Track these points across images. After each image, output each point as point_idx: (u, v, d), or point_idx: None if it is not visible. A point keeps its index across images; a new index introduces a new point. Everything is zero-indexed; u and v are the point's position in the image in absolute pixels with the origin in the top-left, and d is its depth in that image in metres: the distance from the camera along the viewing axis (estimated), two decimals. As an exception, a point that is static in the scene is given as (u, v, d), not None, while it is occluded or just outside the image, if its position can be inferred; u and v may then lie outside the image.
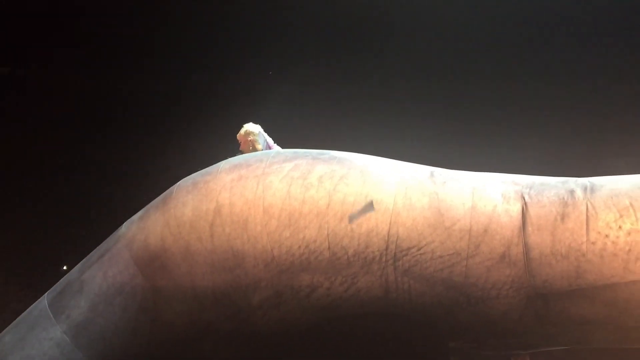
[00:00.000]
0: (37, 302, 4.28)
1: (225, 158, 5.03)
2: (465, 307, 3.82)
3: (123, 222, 4.31)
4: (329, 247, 3.68)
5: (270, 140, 5.04)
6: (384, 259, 3.66)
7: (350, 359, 4.51)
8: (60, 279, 4.33)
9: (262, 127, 5.17)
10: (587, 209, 3.54)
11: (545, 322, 3.81)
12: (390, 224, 3.64)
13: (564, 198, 3.60)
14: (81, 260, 4.37)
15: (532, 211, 3.59)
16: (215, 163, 4.78)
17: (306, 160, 3.91)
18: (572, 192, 3.64)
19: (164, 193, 4.19)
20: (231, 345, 4.08)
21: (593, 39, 8.22)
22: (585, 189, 3.64)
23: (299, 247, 3.70)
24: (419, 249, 3.62)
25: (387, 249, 3.64)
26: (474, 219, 3.60)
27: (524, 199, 3.64)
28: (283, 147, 5.09)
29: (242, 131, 5.09)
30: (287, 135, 5.21)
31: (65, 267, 10.94)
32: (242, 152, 5.07)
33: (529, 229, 3.55)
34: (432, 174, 3.85)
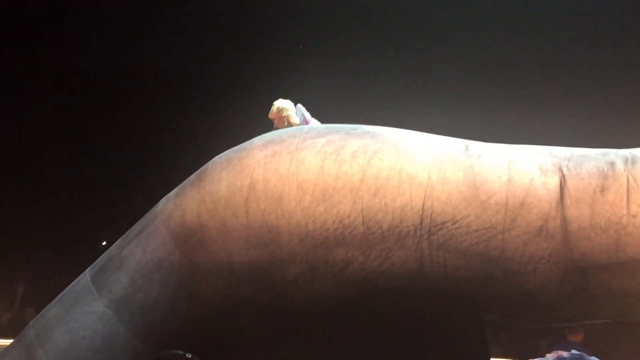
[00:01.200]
0: (79, 277, 4.40)
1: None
2: (502, 281, 3.79)
3: (159, 199, 4.38)
4: (362, 222, 3.68)
5: (307, 114, 5.00)
6: (418, 233, 3.64)
7: (385, 333, 4.53)
8: (100, 255, 4.45)
9: (294, 103, 5.14)
10: (627, 181, 3.45)
11: (584, 296, 3.76)
12: (424, 198, 3.61)
13: (603, 170, 3.52)
14: (120, 236, 4.47)
15: (571, 184, 3.51)
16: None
17: (339, 135, 3.89)
18: (612, 164, 3.55)
19: (199, 170, 4.23)
20: (266, 319, 4.14)
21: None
22: (626, 160, 3.55)
23: (333, 222, 3.71)
24: (454, 223, 3.59)
25: (421, 223, 3.62)
26: (510, 192, 3.54)
27: (562, 172, 3.56)
28: (320, 120, 5.05)
29: (274, 108, 5.07)
30: (322, 110, 5.19)
31: (104, 243, 11.28)
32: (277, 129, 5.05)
33: (567, 201, 3.48)
34: (466, 147, 3.80)
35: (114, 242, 4.47)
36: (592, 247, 3.46)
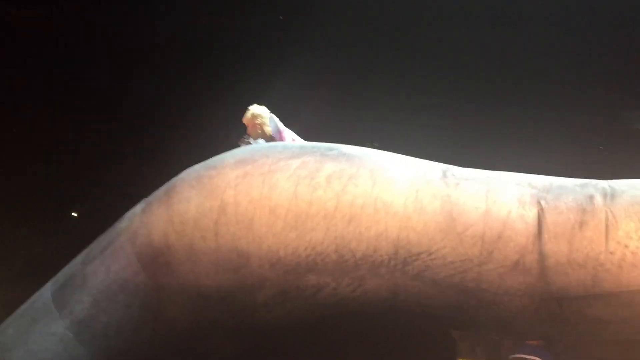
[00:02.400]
0: (39, 292, 4.24)
1: (231, 140, 4.89)
2: (477, 309, 3.73)
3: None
4: (336, 250, 3.57)
5: (280, 124, 4.84)
6: (392, 263, 3.55)
7: (355, 352, 4.48)
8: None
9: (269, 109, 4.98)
10: (606, 217, 3.38)
11: (559, 321, 3.72)
12: (400, 228, 3.51)
13: (582, 204, 3.44)
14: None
15: (549, 218, 3.43)
16: (219, 144, 4.66)
17: (314, 157, 3.75)
18: (591, 197, 3.47)
19: (166, 185, 4.07)
20: (235, 340, 4.04)
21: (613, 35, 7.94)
22: (605, 195, 3.47)
23: (305, 248, 3.60)
24: (429, 254, 3.50)
25: (396, 253, 3.52)
26: (488, 224, 3.46)
27: (541, 205, 3.48)
28: (295, 130, 4.90)
29: (249, 114, 4.89)
30: (296, 120, 5.04)
31: (75, 214, 11.04)
32: (249, 136, 4.90)
33: (545, 236, 3.41)
34: (444, 174, 3.69)
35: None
36: (569, 282, 3.40)
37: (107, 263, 3.94)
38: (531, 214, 3.47)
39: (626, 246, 3.33)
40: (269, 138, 4.73)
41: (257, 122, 4.83)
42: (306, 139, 4.75)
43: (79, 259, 4.20)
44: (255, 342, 4.11)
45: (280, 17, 8.94)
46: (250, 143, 4.74)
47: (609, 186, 3.56)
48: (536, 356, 6.84)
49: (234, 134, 5.05)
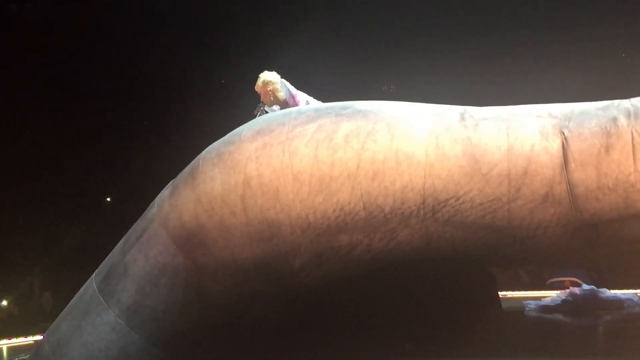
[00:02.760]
0: (85, 285, 4.37)
1: (249, 109, 4.88)
2: (511, 245, 3.74)
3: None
4: (364, 207, 3.59)
5: (292, 89, 4.79)
6: (422, 212, 3.56)
7: (396, 303, 4.55)
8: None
9: (281, 75, 4.93)
10: (632, 137, 3.32)
11: (596, 246, 3.71)
12: (424, 177, 3.50)
13: (606, 128, 3.38)
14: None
15: (574, 146, 3.39)
16: (237, 116, 4.67)
17: (329, 118, 3.73)
18: (614, 119, 3.41)
19: (190, 165, 4.11)
20: (278, 307, 4.13)
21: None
22: (628, 114, 3.40)
23: (334, 210, 3.62)
24: (457, 199, 3.50)
25: (424, 202, 3.53)
26: (512, 161, 3.43)
27: (564, 134, 3.43)
28: (308, 92, 4.86)
29: (260, 82, 4.85)
30: (309, 83, 4.99)
31: (108, 199, 11.28)
32: (263, 104, 4.88)
33: (572, 165, 3.37)
34: (462, 117, 3.65)
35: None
36: (601, 207, 3.38)
37: (145, 249, 4.03)
38: (555, 144, 3.42)
39: (655, 164, 3.28)
40: (283, 103, 4.70)
41: (269, 88, 4.78)
42: (323, 98, 4.71)
43: (117, 248, 4.30)
44: (297, 306, 4.20)
45: None
46: (265, 111, 4.72)
47: (632, 105, 3.49)
48: (571, 277, 6.90)
49: (250, 103, 5.04)
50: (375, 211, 3.60)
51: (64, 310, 4.35)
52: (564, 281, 7.17)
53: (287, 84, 4.75)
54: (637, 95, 3.58)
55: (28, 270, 9.33)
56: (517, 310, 6.47)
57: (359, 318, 4.45)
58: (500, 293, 6.31)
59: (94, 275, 4.35)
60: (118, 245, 4.33)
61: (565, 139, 3.42)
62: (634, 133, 3.33)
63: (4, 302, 8.98)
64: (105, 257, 4.36)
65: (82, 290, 4.36)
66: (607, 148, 3.35)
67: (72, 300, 4.38)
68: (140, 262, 4.02)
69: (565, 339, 5.38)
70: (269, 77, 4.81)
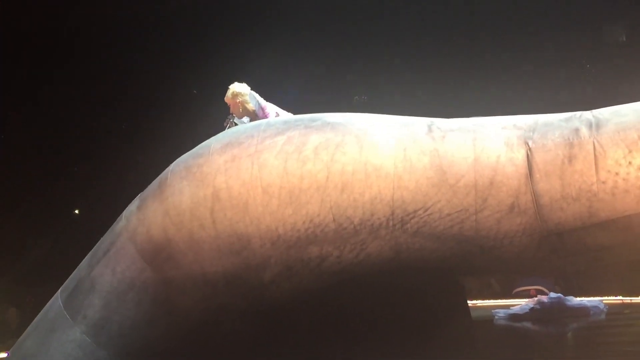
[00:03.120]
0: (51, 301, 4.28)
1: (218, 122, 4.87)
2: (479, 255, 3.78)
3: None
4: (333, 219, 3.60)
5: (261, 100, 4.80)
6: (391, 223, 3.58)
7: (367, 313, 4.55)
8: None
9: (251, 86, 4.94)
10: (594, 147, 3.40)
11: (561, 254, 3.78)
12: (393, 189, 3.53)
13: (569, 139, 3.46)
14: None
15: (538, 157, 3.46)
16: (208, 127, 4.65)
17: (298, 130, 3.75)
18: (577, 130, 3.49)
19: (158, 178, 4.07)
20: (248, 320, 4.10)
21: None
22: (590, 126, 3.48)
23: (304, 222, 3.62)
24: (425, 210, 3.53)
25: (392, 214, 3.55)
26: (478, 172, 3.48)
27: (528, 145, 3.50)
28: (279, 105, 4.87)
29: (229, 93, 4.86)
30: (279, 94, 5.01)
31: (77, 211, 11.08)
32: (233, 116, 4.87)
33: (537, 175, 3.43)
34: (430, 129, 3.69)
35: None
36: (565, 217, 3.45)
37: (112, 264, 3.97)
38: (520, 155, 3.49)
39: (617, 174, 3.36)
40: (253, 115, 4.70)
41: (238, 100, 4.79)
42: (294, 109, 4.73)
43: (84, 263, 4.23)
44: (268, 319, 4.18)
45: None
46: (235, 123, 4.71)
47: (594, 116, 3.57)
48: (536, 285, 7.03)
49: (221, 115, 5.03)
50: (344, 223, 3.61)
51: (29, 326, 4.27)
52: (529, 290, 7.29)
53: (257, 95, 4.76)
54: (599, 107, 3.67)
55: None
56: (487, 318, 6.54)
57: (330, 329, 4.44)
58: (469, 302, 6.37)
59: (59, 290, 4.28)
60: (85, 259, 4.27)
61: (530, 150, 3.49)
62: (596, 144, 3.41)
63: None
64: (72, 271, 4.29)
65: (47, 306, 4.27)
66: (570, 159, 3.42)
67: (37, 316, 4.29)
68: (107, 277, 3.96)
69: (534, 346, 5.46)
70: (239, 89, 4.81)
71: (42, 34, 9.69)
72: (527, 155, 3.47)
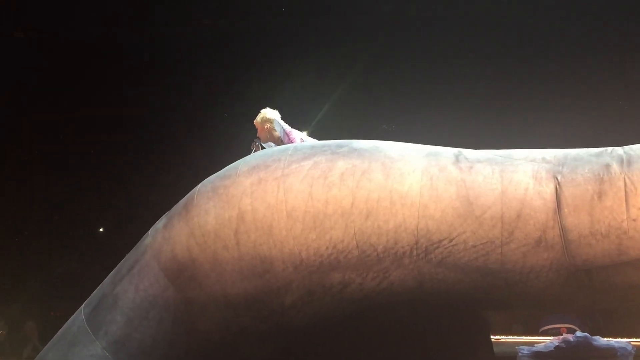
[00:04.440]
0: (74, 315, 4.33)
1: (246, 144, 4.93)
2: (504, 289, 3.73)
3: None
4: (357, 246, 3.59)
5: (287, 127, 4.87)
6: (414, 252, 3.56)
7: (388, 343, 4.50)
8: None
9: (279, 110, 5.00)
10: (625, 184, 3.34)
11: (589, 292, 3.70)
12: (418, 218, 3.51)
13: (599, 174, 3.41)
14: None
15: (567, 191, 3.41)
16: (236, 149, 4.71)
17: (325, 156, 3.76)
18: (607, 166, 3.44)
19: (185, 198, 4.12)
20: (268, 344, 4.09)
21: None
22: (621, 161, 3.43)
23: (327, 248, 3.62)
24: (450, 241, 3.50)
25: (417, 243, 3.53)
26: (505, 204, 3.44)
27: (557, 179, 3.45)
28: (308, 132, 4.93)
29: (259, 118, 4.93)
30: (307, 120, 5.06)
31: (101, 229, 11.22)
32: (259, 139, 4.94)
33: (565, 210, 3.38)
34: (457, 159, 3.68)
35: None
36: (594, 253, 3.38)
37: (136, 281, 4.00)
38: (548, 189, 3.45)
39: (648, 212, 3.30)
40: (278, 141, 4.76)
41: (267, 126, 4.86)
42: (321, 136, 4.77)
43: (108, 279, 4.27)
44: (287, 343, 4.16)
45: (283, 9, 8.97)
46: (261, 147, 4.78)
47: (625, 152, 3.52)
48: (567, 324, 6.84)
49: (249, 137, 5.10)
50: (368, 250, 3.60)
51: (52, 340, 4.31)
52: (559, 328, 7.10)
53: (282, 123, 4.83)
54: (631, 143, 3.62)
55: (17, 298, 9.24)
56: (510, 355, 6.39)
57: (349, 357, 4.40)
58: (492, 337, 6.25)
59: (83, 305, 4.32)
60: (109, 276, 4.31)
61: (559, 183, 3.44)
62: (627, 180, 3.36)
63: None
64: (96, 287, 4.33)
65: (70, 320, 4.32)
66: (600, 194, 3.37)
67: (60, 330, 4.33)
68: (130, 293, 3.99)
69: (557, 386, 5.31)
70: (269, 115, 4.89)
71: (75, 54, 9.95)
72: (556, 189, 3.43)
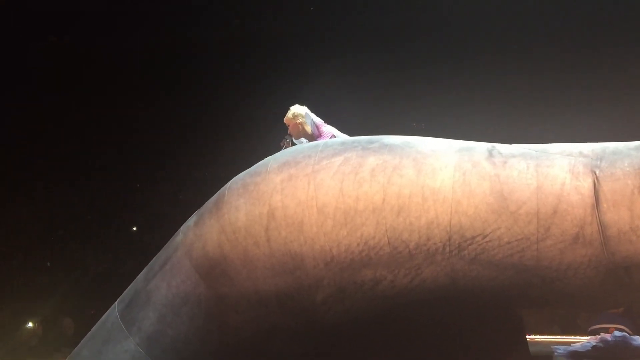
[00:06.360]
0: (108, 311, 4.38)
1: (275, 141, 4.92)
2: (540, 286, 3.64)
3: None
4: (388, 242, 3.54)
5: (317, 119, 4.86)
6: (447, 249, 3.50)
7: (420, 341, 4.44)
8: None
9: (310, 108, 4.99)
10: (667, 178, 3.23)
11: (629, 289, 3.60)
12: (451, 214, 3.45)
13: (639, 168, 3.30)
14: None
15: (606, 186, 3.31)
16: (267, 146, 4.71)
17: (356, 152, 3.73)
18: (648, 160, 3.32)
19: (216, 195, 4.13)
20: (299, 341, 4.07)
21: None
22: (662, 155, 3.32)
23: (358, 244, 3.58)
24: (484, 237, 3.43)
25: (450, 239, 3.47)
26: (541, 200, 3.36)
27: (595, 173, 3.35)
28: (335, 125, 4.90)
29: (289, 114, 4.93)
30: (338, 116, 5.04)
31: (135, 228, 11.39)
32: (290, 136, 4.93)
33: (604, 205, 3.29)
34: (490, 154, 3.60)
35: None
36: (634, 250, 3.28)
37: (168, 278, 4.03)
38: (586, 184, 3.35)
39: (691, 206, 3.18)
40: (310, 137, 4.75)
41: (298, 121, 4.86)
42: (351, 131, 4.74)
43: (141, 276, 4.31)
44: (318, 341, 4.13)
45: (311, 8, 8.97)
46: (292, 143, 4.77)
47: (667, 145, 3.40)
48: (617, 324, 6.64)
49: (279, 135, 5.11)
50: (399, 247, 3.55)
51: (86, 336, 4.37)
52: (608, 328, 6.89)
53: (314, 116, 4.81)
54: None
55: (53, 294, 9.44)
56: (546, 354, 6.26)
57: (381, 355, 4.35)
58: (528, 336, 6.13)
59: (117, 301, 4.37)
60: (142, 272, 4.35)
61: (597, 178, 3.35)
62: (669, 174, 3.24)
63: (30, 325, 9.06)
64: (129, 284, 4.38)
65: (104, 317, 4.37)
66: (641, 189, 3.27)
67: (94, 326, 4.39)
68: (162, 290, 4.02)
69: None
70: (299, 111, 4.89)
71: (111, 61, 10.11)
72: (594, 184, 3.34)
